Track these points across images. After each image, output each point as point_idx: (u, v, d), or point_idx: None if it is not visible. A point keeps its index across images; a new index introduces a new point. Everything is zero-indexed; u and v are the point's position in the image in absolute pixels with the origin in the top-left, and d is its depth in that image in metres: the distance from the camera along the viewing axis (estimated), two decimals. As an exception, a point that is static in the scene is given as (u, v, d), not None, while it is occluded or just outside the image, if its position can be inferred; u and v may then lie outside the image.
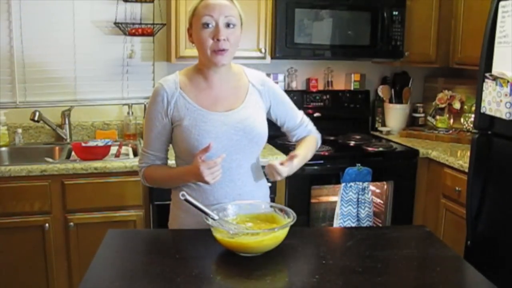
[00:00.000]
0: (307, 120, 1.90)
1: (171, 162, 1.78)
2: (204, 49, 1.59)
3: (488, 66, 2.29)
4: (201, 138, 1.60)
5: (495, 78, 2.25)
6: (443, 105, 3.41)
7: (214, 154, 1.55)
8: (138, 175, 1.73)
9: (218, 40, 1.56)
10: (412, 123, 3.65)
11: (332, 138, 3.24)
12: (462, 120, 3.37)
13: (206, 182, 1.54)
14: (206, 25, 1.58)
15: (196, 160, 1.53)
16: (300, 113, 1.88)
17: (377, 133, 3.53)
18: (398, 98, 3.54)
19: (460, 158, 2.75)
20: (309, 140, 1.86)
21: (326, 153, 2.89)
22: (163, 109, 1.65)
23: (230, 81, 1.70)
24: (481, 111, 2.35)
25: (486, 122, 2.36)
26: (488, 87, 2.29)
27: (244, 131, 1.65)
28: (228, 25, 1.59)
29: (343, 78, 3.58)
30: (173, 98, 1.64)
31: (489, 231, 2.38)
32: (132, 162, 2.57)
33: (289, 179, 2.77)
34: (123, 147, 2.94)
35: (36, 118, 2.90)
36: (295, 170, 1.69)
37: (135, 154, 2.88)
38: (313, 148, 1.85)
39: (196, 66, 1.71)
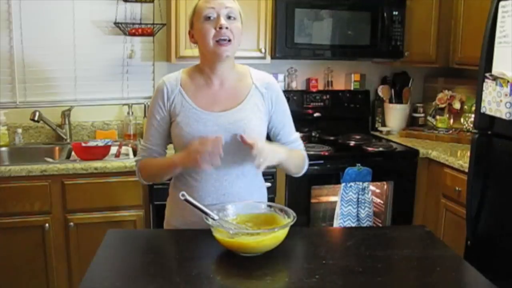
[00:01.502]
0: (300, 141, 1.82)
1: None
2: (207, 42, 1.60)
3: (488, 66, 2.29)
4: (190, 136, 1.61)
5: (495, 78, 2.25)
6: (443, 105, 3.41)
7: None
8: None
9: (220, 28, 1.57)
10: (412, 123, 3.65)
11: (332, 138, 3.24)
12: (462, 120, 3.37)
13: (197, 165, 1.52)
14: (207, 17, 1.59)
15: (194, 141, 1.54)
16: (297, 134, 1.82)
17: (377, 133, 3.53)
18: (398, 98, 3.54)
19: (460, 158, 2.75)
20: (296, 151, 1.77)
21: (326, 153, 2.89)
22: (163, 104, 1.68)
23: (231, 81, 1.70)
24: (481, 111, 2.34)
25: (486, 122, 2.36)
26: (488, 87, 2.29)
27: (236, 133, 1.63)
28: (229, 17, 1.61)
29: (343, 78, 3.58)
30: (173, 94, 1.67)
31: (489, 231, 2.38)
32: (132, 162, 2.57)
33: (289, 179, 2.80)
34: (123, 147, 2.94)
35: (36, 118, 2.90)
36: (278, 159, 1.61)
37: (135, 154, 2.87)
38: (298, 160, 1.76)
39: (199, 65, 1.73)
